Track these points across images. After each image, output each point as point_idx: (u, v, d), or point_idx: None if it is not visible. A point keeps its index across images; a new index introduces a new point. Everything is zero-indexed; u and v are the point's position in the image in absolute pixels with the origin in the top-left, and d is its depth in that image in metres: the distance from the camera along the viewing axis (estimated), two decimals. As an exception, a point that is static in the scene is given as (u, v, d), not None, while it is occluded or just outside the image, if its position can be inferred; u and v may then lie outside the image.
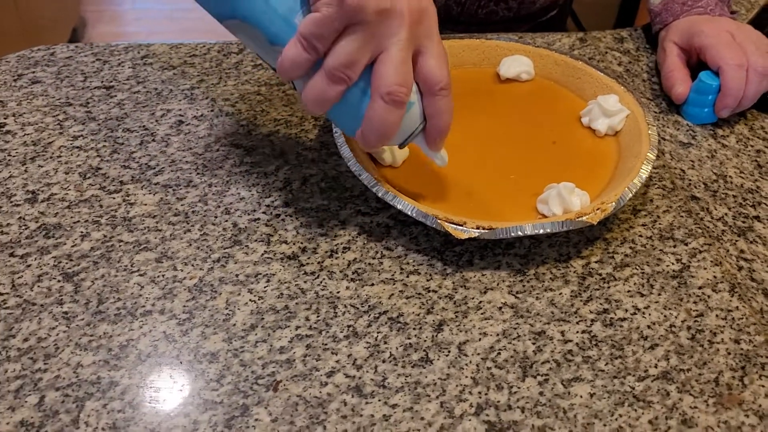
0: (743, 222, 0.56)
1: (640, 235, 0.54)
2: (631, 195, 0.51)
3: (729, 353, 0.46)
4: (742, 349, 0.46)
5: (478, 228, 0.49)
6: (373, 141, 0.45)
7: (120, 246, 0.52)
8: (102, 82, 0.68)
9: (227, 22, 0.46)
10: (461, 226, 0.49)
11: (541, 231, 0.49)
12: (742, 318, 0.48)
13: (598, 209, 0.50)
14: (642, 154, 0.55)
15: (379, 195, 0.51)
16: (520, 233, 0.49)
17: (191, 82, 0.68)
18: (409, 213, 0.50)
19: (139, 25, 2.62)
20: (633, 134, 0.58)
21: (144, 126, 0.63)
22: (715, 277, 0.51)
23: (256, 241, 0.53)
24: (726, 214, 0.56)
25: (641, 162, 0.54)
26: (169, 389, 0.43)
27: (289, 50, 0.43)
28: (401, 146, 0.49)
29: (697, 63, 0.67)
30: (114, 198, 0.56)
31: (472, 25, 0.84)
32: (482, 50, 0.68)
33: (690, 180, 0.59)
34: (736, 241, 0.54)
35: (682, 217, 0.56)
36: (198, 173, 0.58)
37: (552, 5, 0.87)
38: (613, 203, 0.50)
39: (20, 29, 1.96)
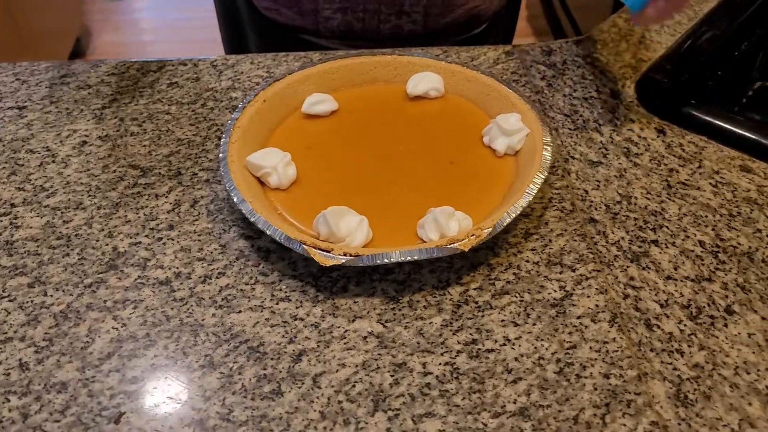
0: (639, 247, 0.53)
1: (527, 261, 0.52)
2: (509, 220, 0.50)
3: (595, 389, 0.44)
4: (610, 384, 0.44)
5: (344, 255, 0.48)
6: None
7: (-4, 270, 0.52)
8: (16, 102, 0.68)
9: None
10: (328, 252, 0.48)
11: (408, 258, 0.48)
12: (617, 350, 0.46)
13: (472, 235, 0.49)
14: (529, 178, 0.53)
15: (251, 219, 0.50)
16: (386, 260, 0.47)
17: (103, 101, 0.68)
18: (277, 238, 0.49)
19: (143, 34, 2.66)
20: (529, 155, 0.56)
21: (47, 147, 0.63)
22: (597, 305, 0.49)
23: (132, 265, 0.52)
24: (622, 238, 0.54)
25: (527, 185, 0.52)
26: (10, 420, 0.43)
27: None
28: None
29: None
30: (1, 221, 0.56)
31: (381, 42, 0.81)
32: (394, 66, 0.67)
33: (591, 201, 0.57)
34: (628, 267, 0.52)
35: (575, 241, 0.54)
36: (90, 195, 0.58)
37: (473, 20, 0.84)
38: (489, 229, 0.49)
39: (17, 40, 1.99)
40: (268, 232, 0.49)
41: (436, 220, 0.50)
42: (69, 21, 2.31)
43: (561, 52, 0.75)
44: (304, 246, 0.48)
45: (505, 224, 0.49)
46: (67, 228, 0.55)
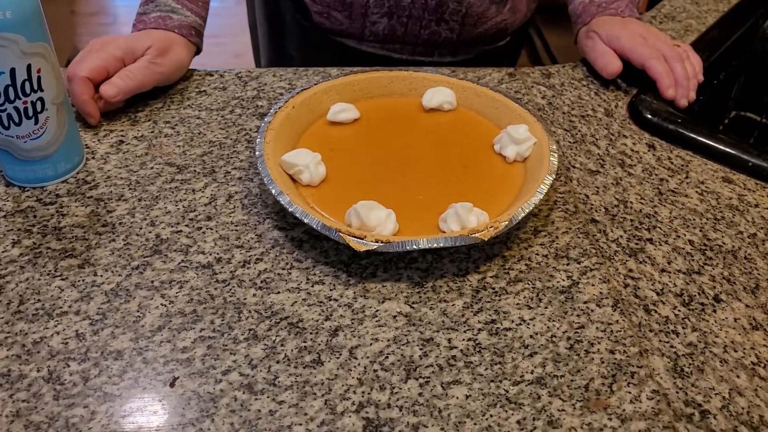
0: (636, 244, 0.59)
1: (537, 254, 0.58)
2: (523, 215, 0.55)
3: (603, 362, 0.49)
4: (615, 358, 0.50)
5: (376, 242, 0.53)
6: None
7: (47, 253, 0.56)
8: (52, 103, 0.72)
9: None
10: (361, 239, 0.53)
11: (435, 245, 0.53)
12: (620, 331, 0.52)
13: (491, 227, 0.54)
14: (540, 179, 0.59)
15: (289, 209, 0.55)
16: (414, 247, 0.53)
17: (137, 105, 0.72)
18: (315, 227, 0.54)
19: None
20: (537, 161, 0.62)
21: (86, 145, 0.67)
22: (601, 293, 0.55)
23: (175, 251, 0.56)
24: (621, 236, 0.60)
25: (538, 185, 0.58)
26: (71, 382, 0.46)
27: None
28: None
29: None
30: (48, 209, 0.60)
31: (418, 46, 0.89)
32: (410, 81, 0.73)
33: (592, 204, 0.63)
34: (627, 261, 0.58)
35: (579, 238, 0.60)
36: (130, 188, 0.62)
37: (500, 33, 0.92)
38: (506, 222, 0.54)
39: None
40: (305, 221, 0.54)
41: (458, 214, 0.55)
42: (60, 41, 2.35)
43: (559, 75, 0.82)
44: (340, 233, 0.53)
45: (520, 218, 0.55)
46: (111, 217, 0.59)
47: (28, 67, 0.55)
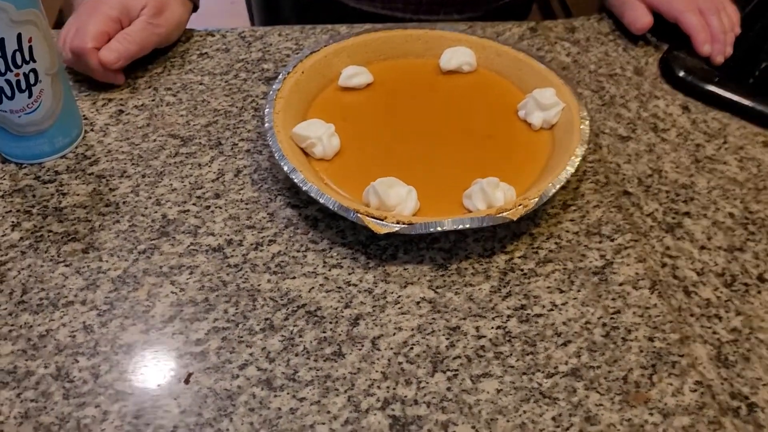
0: (673, 218, 0.56)
1: (567, 231, 0.54)
2: (554, 191, 0.51)
3: (641, 351, 0.46)
4: (654, 347, 0.47)
5: (398, 223, 0.49)
6: None
7: (49, 236, 0.52)
8: (46, 69, 0.68)
9: None
10: (381, 220, 0.49)
11: (460, 227, 0.49)
12: (659, 316, 0.49)
13: (520, 205, 0.50)
14: (571, 150, 0.55)
15: (303, 188, 0.51)
16: (438, 228, 0.49)
17: (135, 71, 0.68)
18: (331, 207, 0.50)
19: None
20: (566, 128, 0.58)
21: (84, 116, 0.63)
22: (637, 273, 0.51)
23: (183, 232, 0.53)
24: (656, 209, 0.56)
25: (569, 157, 0.54)
26: (82, 380, 0.44)
27: None
28: None
29: None
30: (47, 188, 0.56)
31: (422, 4, 0.83)
32: (425, 40, 0.68)
33: (624, 174, 0.59)
34: (663, 237, 0.54)
35: (611, 212, 0.56)
36: (133, 164, 0.59)
37: None
38: (536, 199, 0.51)
39: None
40: (321, 201, 0.51)
41: (483, 190, 0.52)
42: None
43: (584, 30, 0.76)
44: (359, 214, 0.50)
45: (550, 194, 0.51)
46: (114, 195, 0.56)
47: (18, 36, 0.51)
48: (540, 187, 0.52)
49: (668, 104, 0.67)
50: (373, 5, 0.84)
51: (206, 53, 0.71)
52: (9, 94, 0.53)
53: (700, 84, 0.67)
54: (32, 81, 0.53)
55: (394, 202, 0.51)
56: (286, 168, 0.53)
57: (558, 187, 0.52)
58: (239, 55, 0.71)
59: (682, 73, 0.69)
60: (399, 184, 0.52)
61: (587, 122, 0.57)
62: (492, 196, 0.51)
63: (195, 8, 0.73)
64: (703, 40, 0.69)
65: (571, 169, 0.53)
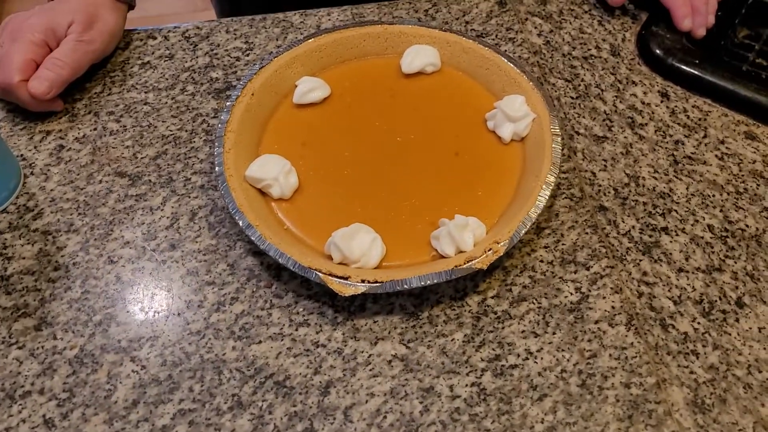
0: (650, 236, 0.53)
1: (541, 261, 0.52)
2: (525, 230, 0.49)
3: (618, 400, 0.46)
4: (631, 394, 0.46)
5: (363, 282, 0.47)
6: None
7: (-2, 312, 0.50)
8: (-25, 98, 0.62)
9: None
10: (345, 279, 0.47)
11: (428, 282, 0.47)
12: (636, 356, 0.47)
13: (489, 249, 0.48)
14: (542, 176, 0.51)
15: (261, 247, 0.48)
16: (405, 287, 0.47)
17: (72, 93, 0.62)
18: (291, 268, 0.48)
19: None
20: (538, 144, 0.54)
21: (21, 155, 0.58)
22: (613, 308, 0.50)
23: (139, 295, 0.51)
24: (633, 227, 0.54)
25: (539, 187, 0.51)
26: (48, 484, 0.43)
27: None
28: None
29: None
30: (-10, 251, 0.53)
31: None
32: (385, 38, 0.62)
33: (600, 185, 0.56)
34: (640, 261, 0.52)
35: (587, 234, 0.53)
36: (80, 214, 0.55)
37: None
38: (506, 242, 0.48)
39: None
40: (281, 261, 0.48)
41: (450, 234, 0.49)
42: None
43: (556, 0, 0.70)
44: (321, 274, 0.47)
45: (522, 234, 0.49)
46: (62, 256, 0.53)
47: None
48: (510, 226, 0.49)
49: (646, 91, 0.63)
50: None
51: (148, 62, 0.65)
52: None
53: (680, 66, 0.63)
54: None
55: (358, 254, 0.48)
56: (241, 223, 0.49)
57: (529, 225, 0.49)
58: (185, 62, 0.65)
59: (660, 53, 0.64)
60: (362, 231, 0.49)
61: (559, 139, 0.54)
62: (460, 240, 0.49)
63: (131, 8, 0.66)
64: (683, 15, 0.64)
65: (543, 201, 0.50)
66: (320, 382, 0.47)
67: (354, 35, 0.62)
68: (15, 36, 0.58)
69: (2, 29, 0.59)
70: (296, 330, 0.49)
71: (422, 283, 0.47)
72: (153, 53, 0.66)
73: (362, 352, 0.48)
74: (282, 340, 0.48)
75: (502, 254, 0.48)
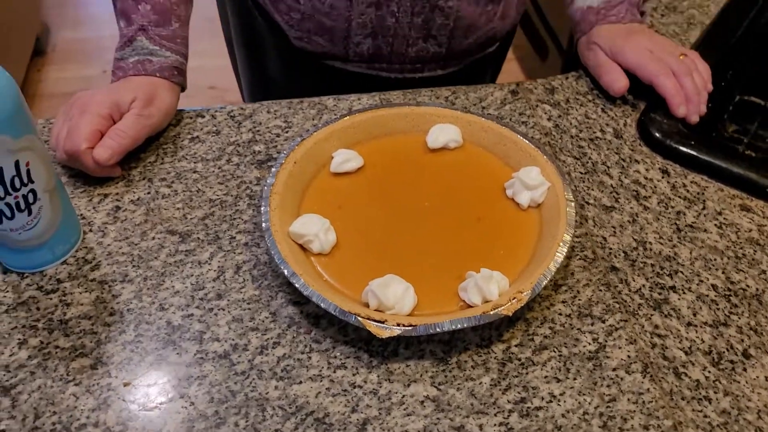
0: (659, 294, 0.58)
1: (560, 314, 0.56)
2: (545, 281, 0.54)
3: (637, 439, 0.49)
4: (649, 434, 0.49)
5: (398, 325, 0.51)
6: None
7: (56, 353, 0.54)
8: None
9: None
10: (382, 323, 0.51)
11: (459, 326, 0.51)
12: (652, 401, 0.51)
13: (514, 298, 0.52)
14: (558, 236, 0.57)
15: (305, 293, 0.53)
16: (438, 330, 0.51)
17: (128, 162, 0.69)
18: (332, 312, 0.52)
19: (102, 28, 2.58)
20: (553, 209, 0.60)
21: (81, 214, 0.64)
22: (629, 356, 0.54)
23: (188, 339, 0.54)
24: (643, 285, 0.59)
25: (557, 245, 0.56)
26: None
27: None
28: None
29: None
30: (51, 299, 0.57)
31: (406, 63, 0.85)
32: (411, 118, 0.69)
33: (611, 249, 0.62)
34: (651, 315, 0.57)
35: (600, 291, 0.58)
36: (134, 266, 0.60)
37: (490, 41, 0.88)
38: (528, 292, 0.53)
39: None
40: (323, 306, 0.52)
41: (477, 285, 0.53)
42: (28, 18, 2.24)
43: (563, 90, 0.79)
44: (359, 318, 0.51)
45: (543, 285, 0.53)
46: (117, 303, 0.57)
47: (17, 163, 0.52)
48: (532, 278, 0.54)
49: (648, 168, 0.69)
50: (358, 66, 0.85)
51: (197, 137, 0.72)
52: (9, 214, 0.54)
53: (677, 147, 0.70)
54: (31, 200, 0.54)
55: (393, 301, 0.53)
56: (286, 272, 0.54)
57: (549, 277, 0.54)
58: (230, 137, 0.72)
59: (659, 136, 0.71)
60: (396, 281, 0.54)
61: (573, 204, 0.59)
62: (486, 290, 0.53)
63: (183, 89, 0.74)
64: (678, 103, 0.71)
65: (560, 257, 0.55)
66: (357, 419, 0.50)
67: (384, 114, 0.69)
68: (84, 109, 0.65)
69: (71, 104, 0.67)
70: (334, 372, 0.53)
71: (453, 327, 0.51)
72: (201, 129, 0.73)
73: (396, 392, 0.51)
74: (321, 380, 0.52)
75: (525, 303, 0.52)
